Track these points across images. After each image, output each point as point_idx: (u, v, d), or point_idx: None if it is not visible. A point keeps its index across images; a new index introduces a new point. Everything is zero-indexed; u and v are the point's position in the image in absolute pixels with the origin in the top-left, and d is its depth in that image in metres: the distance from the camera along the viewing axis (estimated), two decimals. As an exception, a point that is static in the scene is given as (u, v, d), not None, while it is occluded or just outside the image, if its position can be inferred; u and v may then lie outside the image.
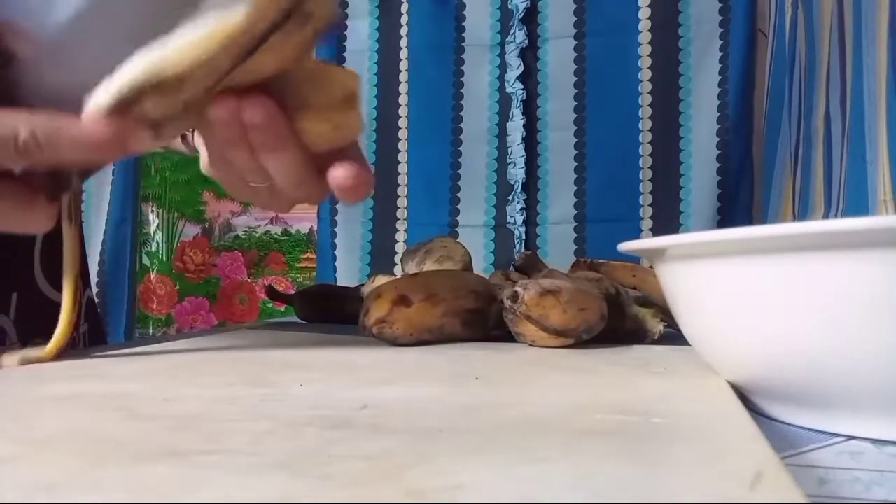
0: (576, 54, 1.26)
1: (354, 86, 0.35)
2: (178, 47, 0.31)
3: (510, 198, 1.28)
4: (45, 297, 0.53)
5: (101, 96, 0.32)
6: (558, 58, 1.27)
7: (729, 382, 0.31)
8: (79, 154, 0.32)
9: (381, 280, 0.62)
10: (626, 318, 0.49)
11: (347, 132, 0.36)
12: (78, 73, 0.32)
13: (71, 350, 0.43)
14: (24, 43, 0.33)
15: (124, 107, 0.32)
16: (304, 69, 0.34)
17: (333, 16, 0.34)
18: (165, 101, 0.32)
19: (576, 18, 1.26)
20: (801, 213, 0.97)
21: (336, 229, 1.37)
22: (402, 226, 1.34)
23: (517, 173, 1.27)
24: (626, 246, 0.34)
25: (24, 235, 0.51)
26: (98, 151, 0.32)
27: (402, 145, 1.34)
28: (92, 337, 0.61)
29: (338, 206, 1.37)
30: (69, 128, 0.32)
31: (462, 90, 1.31)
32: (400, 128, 1.34)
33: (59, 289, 0.53)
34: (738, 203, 1.20)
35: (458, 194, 1.31)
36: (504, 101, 1.29)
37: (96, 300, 1.14)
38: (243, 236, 1.91)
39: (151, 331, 1.90)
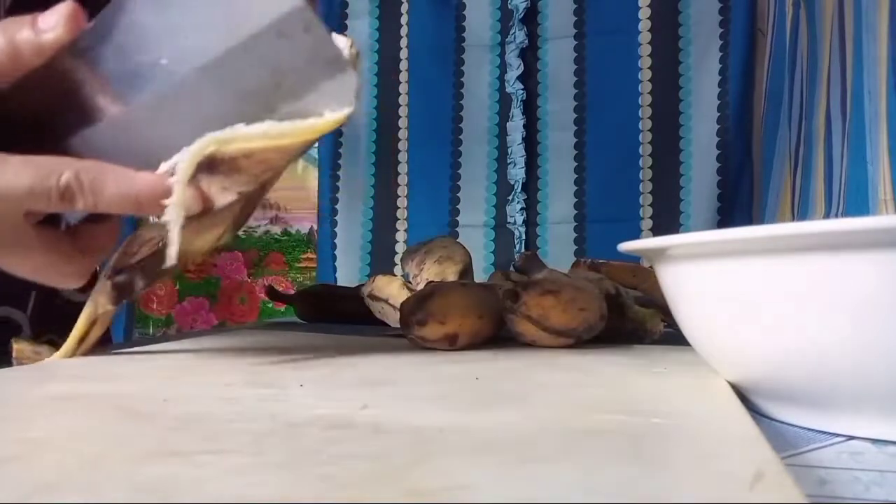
0: (576, 54, 1.26)
1: None
2: (249, 132, 0.31)
3: (510, 198, 1.27)
4: (63, 297, 0.54)
5: (162, 167, 0.32)
6: (558, 58, 1.27)
7: (729, 382, 0.31)
8: (121, 203, 0.32)
9: (381, 280, 0.62)
10: (626, 318, 0.49)
11: None
12: (146, 147, 0.33)
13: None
14: (111, 104, 0.33)
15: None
16: None
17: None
18: (219, 180, 0.31)
19: (576, 18, 1.26)
20: (802, 213, 0.97)
21: (336, 229, 1.37)
22: (402, 226, 1.34)
23: (517, 173, 1.27)
24: (626, 246, 0.34)
25: None
26: (142, 201, 0.32)
27: (402, 145, 1.34)
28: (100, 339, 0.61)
29: (338, 207, 1.37)
30: (116, 174, 0.32)
31: (462, 90, 1.31)
32: (400, 128, 1.34)
33: (81, 288, 0.55)
34: (738, 203, 1.20)
35: (458, 194, 1.31)
36: (504, 101, 1.28)
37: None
38: (243, 236, 1.91)
39: (151, 331, 1.90)
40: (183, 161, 0.31)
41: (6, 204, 0.31)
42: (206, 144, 0.31)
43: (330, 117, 0.31)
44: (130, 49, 0.32)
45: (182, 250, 0.32)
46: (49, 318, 0.52)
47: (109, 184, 0.32)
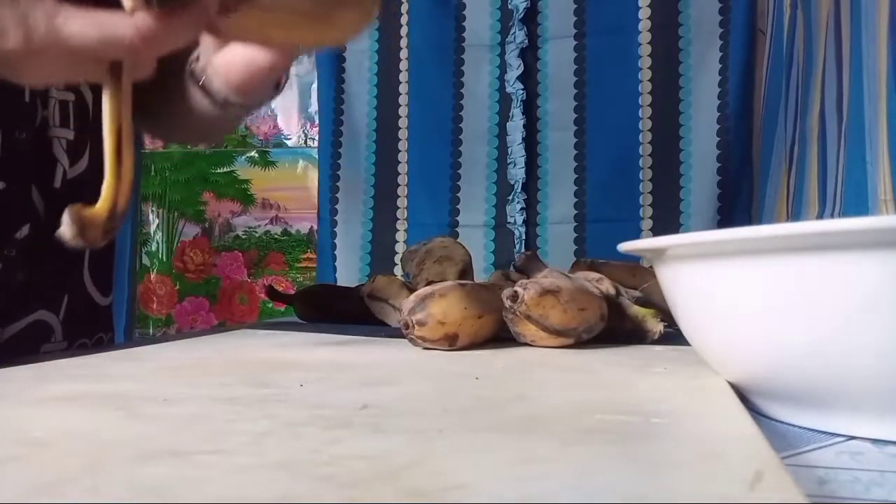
0: (576, 54, 1.27)
1: None
2: None
3: (510, 198, 1.28)
4: (91, 299, 0.56)
5: None
6: (558, 58, 1.27)
7: (729, 382, 0.31)
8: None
9: (381, 280, 0.62)
10: (626, 318, 0.49)
11: None
12: None
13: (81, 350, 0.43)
14: None
15: None
16: None
17: None
18: None
19: (576, 18, 1.27)
20: (795, 212, 0.97)
21: (336, 229, 1.37)
22: (402, 226, 1.34)
23: (517, 173, 1.27)
24: (626, 246, 0.34)
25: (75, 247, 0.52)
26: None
27: (402, 145, 1.34)
28: (108, 343, 0.62)
29: (338, 207, 1.37)
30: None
31: (462, 90, 1.31)
32: (400, 128, 1.34)
33: (103, 292, 0.55)
34: (738, 203, 1.20)
35: (458, 194, 1.31)
36: (504, 101, 1.29)
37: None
38: (243, 236, 1.91)
39: (151, 331, 1.90)
40: None
41: None
42: None
43: None
44: None
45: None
46: (79, 320, 0.53)
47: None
